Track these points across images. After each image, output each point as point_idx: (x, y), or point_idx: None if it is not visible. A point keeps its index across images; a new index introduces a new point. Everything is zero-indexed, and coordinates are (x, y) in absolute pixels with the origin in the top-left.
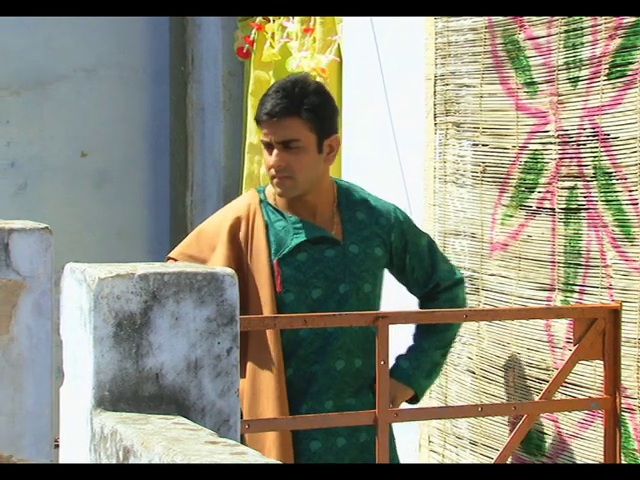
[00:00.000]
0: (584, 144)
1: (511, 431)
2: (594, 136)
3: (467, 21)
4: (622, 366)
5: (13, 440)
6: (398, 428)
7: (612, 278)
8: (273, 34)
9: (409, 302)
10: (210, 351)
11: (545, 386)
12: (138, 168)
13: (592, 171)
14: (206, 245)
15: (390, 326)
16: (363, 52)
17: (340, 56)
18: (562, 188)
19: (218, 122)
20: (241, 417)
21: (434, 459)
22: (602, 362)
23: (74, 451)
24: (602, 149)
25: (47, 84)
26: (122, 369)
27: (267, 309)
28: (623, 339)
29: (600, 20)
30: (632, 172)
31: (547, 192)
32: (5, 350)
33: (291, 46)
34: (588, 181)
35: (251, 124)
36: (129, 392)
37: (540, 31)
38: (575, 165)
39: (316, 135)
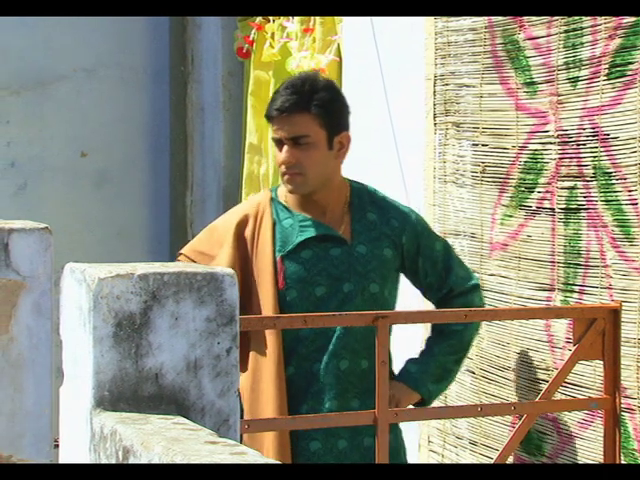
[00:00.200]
0: (584, 144)
1: (511, 431)
2: (594, 136)
3: (467, 21)
4: (622, 366)
5: (13, 440)
6: None
7: (612, 278)
8: (273, 34)
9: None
10: (210, 351)
11: (545, 386)
12: (138, 168)
13: (592, 171)
14: (216, 242)
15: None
16: (363, 52)
17: (340, 56)
18: (562, 188)
19: (218, 122)
20: (242, 412)
21: (434, 459)
22: (602, 362)
23: (74, 451)
24: (602, 149)
25: (47, 84)
26: (122, 369)
27: (269, 306)
28: (623, 339)
29: (600, 20)
30: (632, 172)
31: (547, 192)
32: (5, 350)
33: (291, 46)
34: (588, 181)
35: (251, 124)
36: (129, 392)
37: (540, 31)
38: (575, 165)
39: (326, 131)
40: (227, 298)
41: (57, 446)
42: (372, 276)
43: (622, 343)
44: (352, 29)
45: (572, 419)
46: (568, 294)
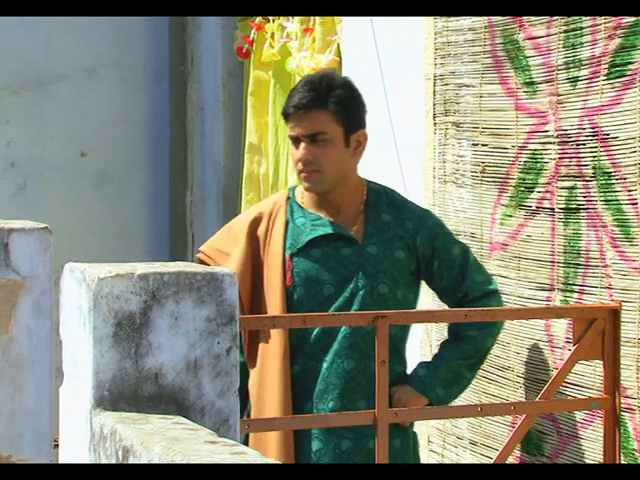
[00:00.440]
0: (583, 144)
1: (511, 431)
2: (593, 136)
3: (466, 21)
4: (622, 366)
5: (13, 440)
6: None
7: (611, 278)
8: (273, 34)
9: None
10: (210, 351)
11: (545, 386)
12: (138, 168)
13: (591, 171)
14: (231, 239)
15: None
16: (363, 52)
17: (340, 56)
18: (561, 188)
19: (218, 122)
20: (249, 410)
21: (434, 459)
22: (602, 362)
23: (74, 451)
24: (601, 149)
25: (47, 84)
26: (121, 369)
27: (276, 303)
28: (623, 339)
29: (599, 20)
30: (631, 172)
31: (546, 192)
32: (5, 350)
33: (291, 46)
34: (587, 181)
35: (251, 124)
36: (128, 392)
37: (539, 31)
38: (574, 165)
39: (343, 128)
40: (227, 298)
41: (57, 446)
42: (381, 277)
43: (622, 343)
44: (352, 29)
45: (572, 419)
46: (568, 294)
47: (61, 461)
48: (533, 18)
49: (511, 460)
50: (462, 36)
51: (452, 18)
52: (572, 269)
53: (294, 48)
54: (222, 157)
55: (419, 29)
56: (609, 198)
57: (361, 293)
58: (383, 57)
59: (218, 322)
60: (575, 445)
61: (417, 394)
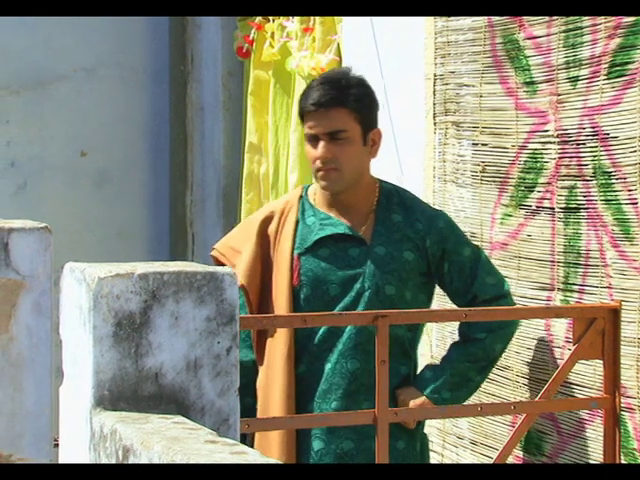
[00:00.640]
0: (583, 143)
1: (511, 431)
2: (594, 135)
3: (467, 20)
4: (622, 366)
5: (13, 439)
6: None
7: (612, 278)
8: (273, 34)
9: None
10: (210, 350)
11: (545, 385)
12: (138, 168)
13: (591, 171)
14: (243, 237)
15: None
16: (363, 51)
17: (340, 56)
18: (562, 188)
19: (218, 122)
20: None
21: (434, 459)
22: (602, 362)
23: (74, 450)
24: (601, 148)
25: (47, 84)
26: (122, 368)
27: (283, 302)
28: (623, 338)
29: (599, 20)
30: (631, 172)
31: (547, 192)
32: (5, 350)
33: (291, 46)
34: (588, 180)
35: (251, 123)
36: (129, 391)
37: (540, 30)
38: (575, 164)
39: (361, 126)
40: (227, 297)
41: (57, 445)
42: (388, 278)
43: (622, 343)
44: (352, 29)
45: (572, 419)
46: (568, 293)
47: (61, 461)
48: (533, 17)
49: (511, 460)
50: (462, 36)
51: (452, 17)
52: (572, 269)
53: (294, 48)
54: (222, 157)
55: (419, 29)
56: (609, 198)
57: (367, 294)
58: (383, 57)
59: (218, 322)
60: (575, 445)
61: (421, 396)
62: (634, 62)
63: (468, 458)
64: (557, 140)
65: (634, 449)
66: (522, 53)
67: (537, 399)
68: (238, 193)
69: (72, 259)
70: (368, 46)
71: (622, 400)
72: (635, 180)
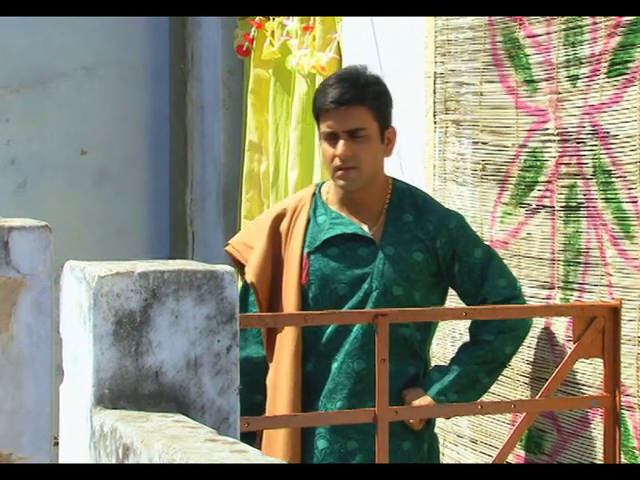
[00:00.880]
0: (584, 142)
1: (511, 429)
2: (594, 134)
3: (467, 19)
4: (622, 364)
5: (13, 438)
6: None
7: (612, 276)
8: (273, 32)
9: None
10: (210, 349)
11: (545, 384)
12: (138, 166)
13: (592, 169)
14: (256, 234)
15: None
16: (363, 50)
17: (340, 54)
18: (562, 186)
19: (218, 120)
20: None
21: None
22: (602, 360)
23: (74, 449)
24: (602, 147)
25: (47, 82)
26: (122, 367)
27: (291, 301)
28: (623, 337)
29: (599, 18)
30: (631, 170)
31: (547, 190)
32: (5, 348)
33: (291, 44)
34: (588, 179)
35: (251, 122)
36: (129, 390)
37: (540, 29)
38: (575, 163)
39: (379, 124)
40: (227, 296)
41: (57, 444)
42: (396, 278)
43: (622, 341)
44: (352, 27)
45: (572, 417)
46: (568, 292)
47: (61, 459)
48: (533, 16)
49: (511, 458)
50: (462, 34)
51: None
52: (572, 267)
53: (294, 46)
54: (222, 155)
55: (419, 27)
56: (609, 196)
57: (375, 294)
58: (383, 55)
59: (218, 320)
60: (575, 443)
61: (427, 397)
62: (634, 60)
63: (468, 457)
64: (557, 138)
65: (634, 448)
66: (522, 51)
67: (537, 398)
68: (238, 191)
69: (72, 257)
70: (368, 44)
71: (622, 398)
72: (635, 178)
